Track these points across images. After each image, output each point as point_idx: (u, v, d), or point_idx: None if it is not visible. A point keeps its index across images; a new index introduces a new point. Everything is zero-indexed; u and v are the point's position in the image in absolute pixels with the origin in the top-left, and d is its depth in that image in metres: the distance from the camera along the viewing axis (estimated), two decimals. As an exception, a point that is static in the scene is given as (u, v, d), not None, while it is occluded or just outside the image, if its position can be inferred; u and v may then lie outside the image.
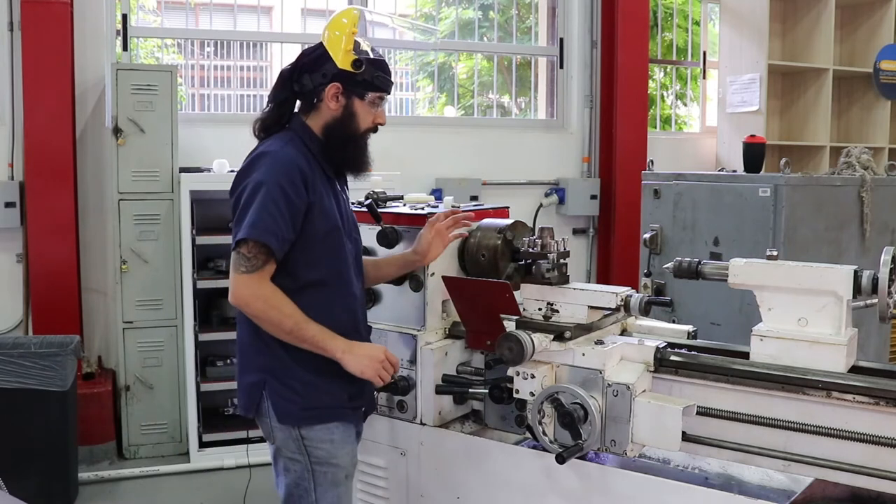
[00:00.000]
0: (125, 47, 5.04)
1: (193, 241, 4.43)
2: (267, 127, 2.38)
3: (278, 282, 2.21)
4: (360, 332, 2.40)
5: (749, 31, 6.26)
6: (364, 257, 2.58)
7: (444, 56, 6.79)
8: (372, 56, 2.32)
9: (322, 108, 2.32)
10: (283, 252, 2.20)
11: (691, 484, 2.25)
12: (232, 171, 4.33)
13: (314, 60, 2.30)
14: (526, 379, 2.31)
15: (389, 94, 2.39)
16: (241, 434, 4.24)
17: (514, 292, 2.40)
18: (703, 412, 2.22)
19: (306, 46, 2.46)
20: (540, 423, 2.31)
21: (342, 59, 2.27)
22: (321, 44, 2.31)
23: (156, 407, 4.63)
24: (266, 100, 2.41)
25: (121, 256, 4.54)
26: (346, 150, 2.34)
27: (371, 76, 2.30)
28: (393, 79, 2.39)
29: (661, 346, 2.31)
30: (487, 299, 2.39)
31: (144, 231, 4.55)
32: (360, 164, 2.40)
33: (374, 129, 2.40)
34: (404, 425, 2.66)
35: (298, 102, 2.37)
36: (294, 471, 2.31)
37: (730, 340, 2.52)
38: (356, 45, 2.30)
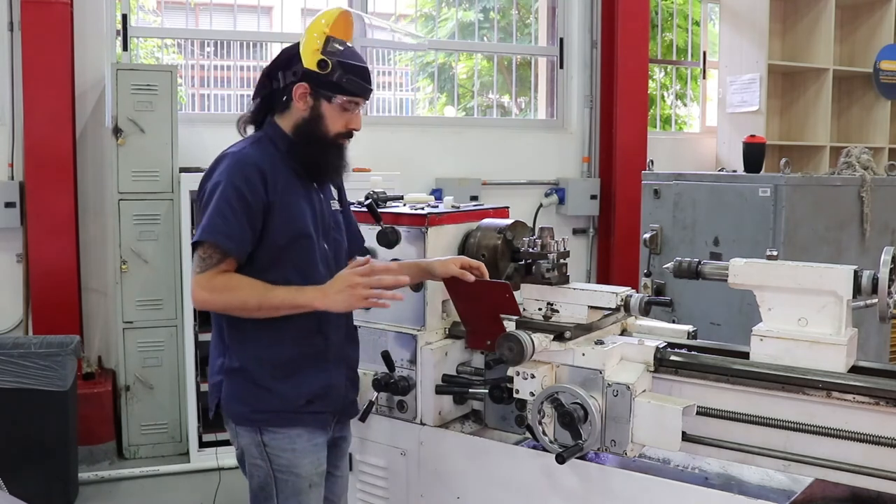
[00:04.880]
0: (125, 47, 5.04)
1: (193, 241, 4.42)
2: (249, 124, 2.34)
3: None
4: (325, 333, 2.28)
5: (749, 31, 6.26)
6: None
7: (444, 56, 6.79)
8: (347, 58, 2.23)
9: (293, 107, 2.25)
10: (244, 250, 2.15)
11: (691, 484, 2.25)
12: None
13: (289, 58, 2.25)
14: (526, 379, 2.31)
15: (364, 99, 2.30)
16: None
17: (514, 292, 2.40)
18: (703, 412, 2.22)
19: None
20: (540, 423, 2.30)
21: (309, 59, 2.21)
22: (299, 42, 2.26)
23: (156, 407, 4.63)
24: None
25: (121, 256, 4.54)
26: (313, 152, 2.26)
27: (340, 79, 2.21)
28: (372, 85, 2.30)
29: (661, 346, 2.31)
30: (487, 299, 2.39)
31: (144, 231, 4.55)
32: (328, 168, 2.32)
33: (349, 135, 2.30)
34: (404, 425, 2.65)
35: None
36: (257, 476, 2.27)
37: (730, 340, 2.52)
38: (332, 44, 2.22)
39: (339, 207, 2.45)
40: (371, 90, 2.30)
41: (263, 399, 2.22)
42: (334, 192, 2.46)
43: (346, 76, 2.22)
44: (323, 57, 2.20)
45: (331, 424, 2.37)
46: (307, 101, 2.24)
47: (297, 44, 2.26)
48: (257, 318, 2.17)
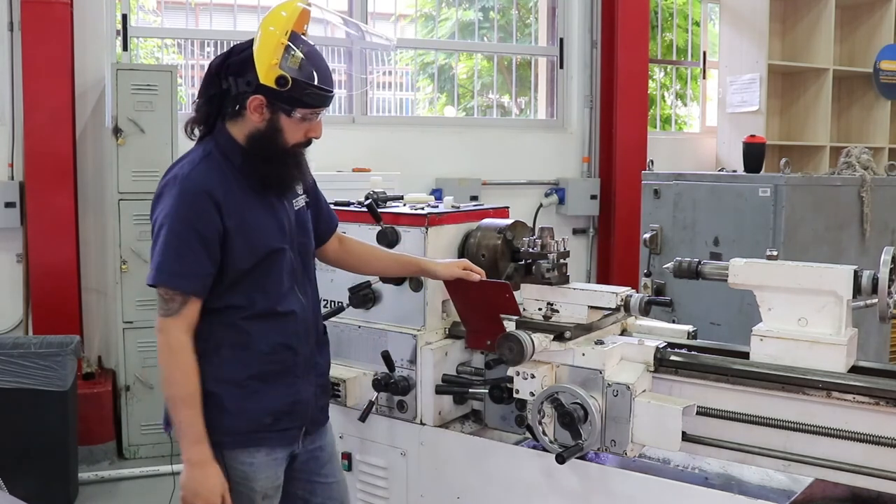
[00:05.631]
0: (125, 47, 5.05)
1: (193, 241, 4.42)
2: (197, 125, 2.16)
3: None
4: (294, 348, 2.17)
5: (749, 31, 6.26)
6: (378, 248, 2.56)
7: (444, 56, 6.79)
8: (308, 73, 2.01)
9: (246, 117, 2.05)
10: (205, 287, 2.05)
11: (691, 484, 2.25)
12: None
13: (241, 63, 2.02)
14: (526, 379, 2.31)
15: (326, 107, 2.10)
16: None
17: (514, 292, 2.39)
18: (703, 412, 2.22)
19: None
20: (540, 423, 2.30)
21: (265, 74, 1.97)
22: (253, 41, 2.02)
23: (156, 407, 4.59)
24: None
25: (121, 256, 4.54)
26: (269, 166, 2.08)
27: (301, 92, 2.00)
28: (334, 90, 2.11)
29: (661, 346, 2.31)
30: (487, 299, 2.39)
31: (144, 231, 4.54)
32: (286, 180, 2.15)
33: (307, 144, 2.14)
34: (404, 425, 2.65)
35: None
36: None
37: (730, 340, 2.52)
38: (291, 55, 1.98)
39: (302, 204, 2.27)
40: (333, 95, 2.12)
41: (227, 420, 2.08)
42: (298, 188, 2.27)
43: (307, 89, 2.02)
44: (282, 73, 1.97)
45: (299, 438, 2.24)
46: (263, 113, 2.03)
47: (251, 43, 2.03)
48: (224, 335, 2.10)
